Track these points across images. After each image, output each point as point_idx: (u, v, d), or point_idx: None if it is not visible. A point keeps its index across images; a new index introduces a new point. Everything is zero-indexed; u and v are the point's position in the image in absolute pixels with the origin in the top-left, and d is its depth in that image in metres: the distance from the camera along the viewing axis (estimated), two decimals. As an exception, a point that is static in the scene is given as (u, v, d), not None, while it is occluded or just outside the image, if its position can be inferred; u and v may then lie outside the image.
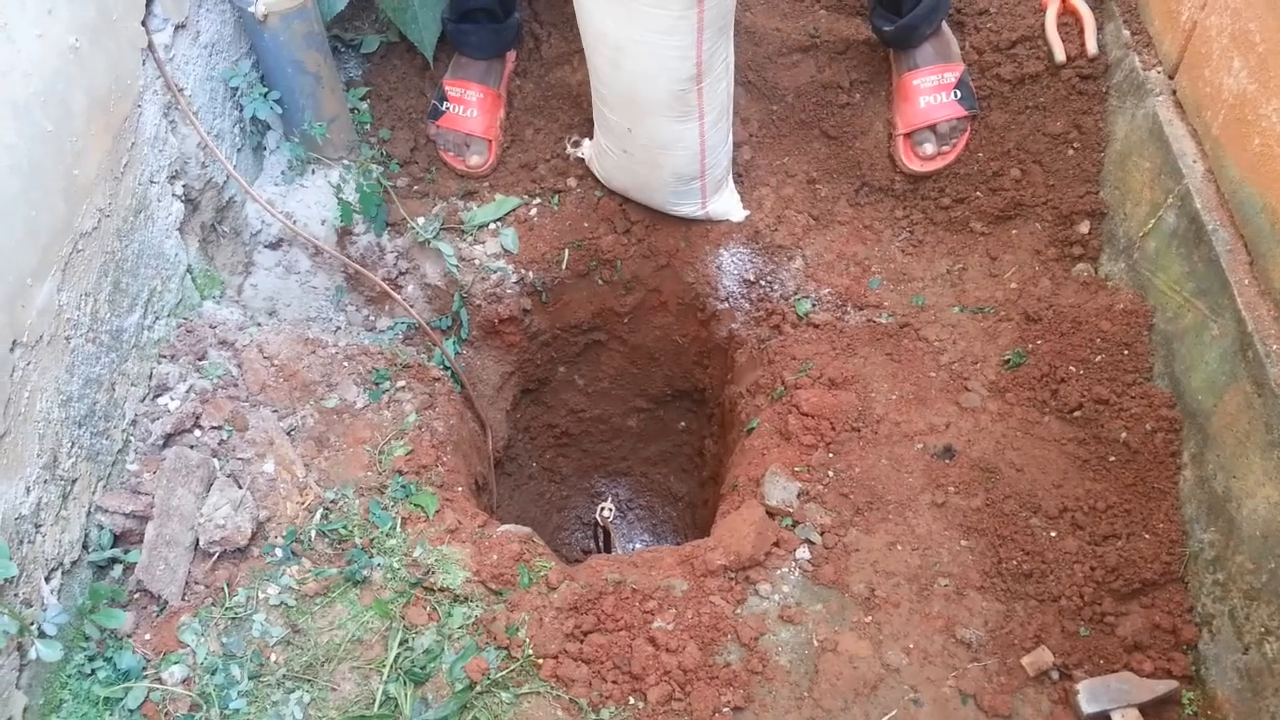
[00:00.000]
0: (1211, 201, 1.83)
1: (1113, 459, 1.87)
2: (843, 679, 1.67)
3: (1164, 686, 1.62)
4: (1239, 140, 1.78)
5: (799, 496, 1.91)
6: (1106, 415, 1.91)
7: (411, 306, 2.31)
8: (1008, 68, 2.25)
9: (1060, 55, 2.20)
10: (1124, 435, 1.87)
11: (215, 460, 1.81)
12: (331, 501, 1.85)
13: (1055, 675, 1.68)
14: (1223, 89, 1.83)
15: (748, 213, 2.32)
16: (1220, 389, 1.72)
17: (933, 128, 2.27)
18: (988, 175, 2.26)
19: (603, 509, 2.50)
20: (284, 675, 1.64)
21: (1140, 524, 1.78)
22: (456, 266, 2.32)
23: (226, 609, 1.69)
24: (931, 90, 2.26)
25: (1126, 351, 1.96)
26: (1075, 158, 2.21)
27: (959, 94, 2.25)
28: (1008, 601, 1.76)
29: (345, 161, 2.31)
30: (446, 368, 2.33)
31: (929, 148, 2.28)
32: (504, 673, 1.65)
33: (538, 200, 2.41)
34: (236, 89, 2.15)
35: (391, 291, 2.28)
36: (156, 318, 1.91)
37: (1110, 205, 2.15)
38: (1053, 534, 1.81)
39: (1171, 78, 2.04)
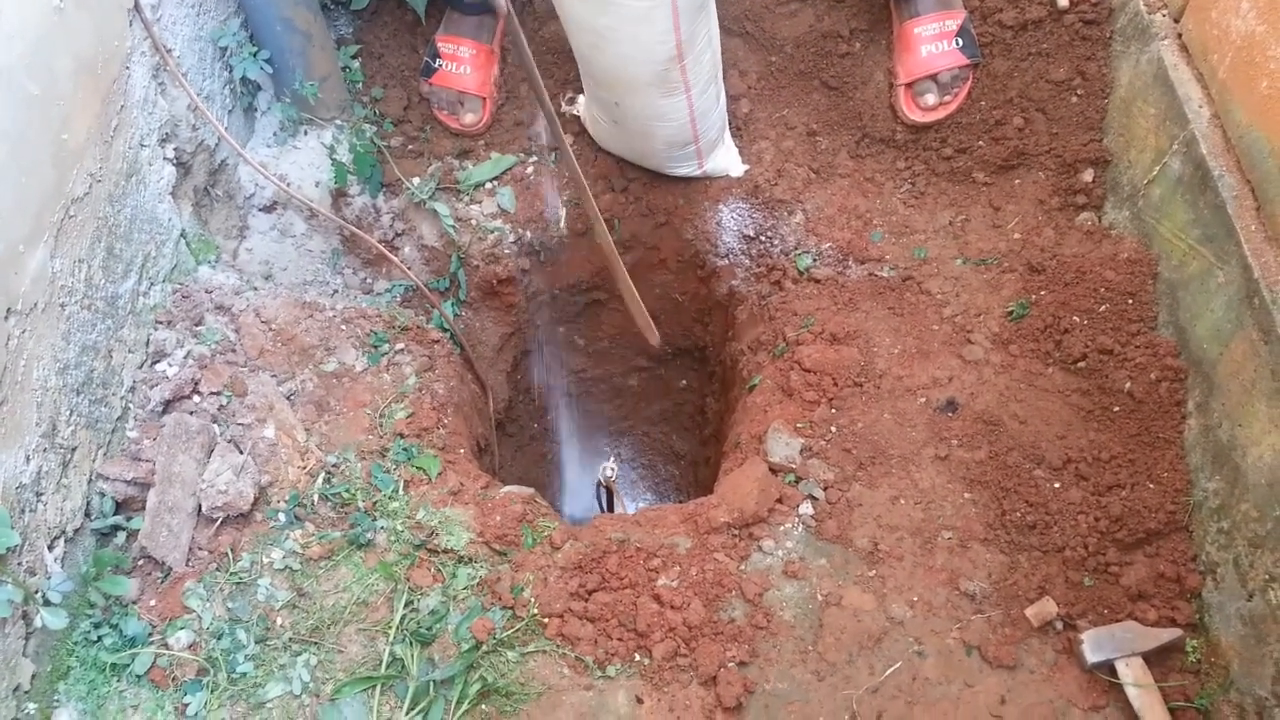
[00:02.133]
0: (1218, 147, 1.80)
1: (1117, 409, 1.86)
2: (847, 632, 1.67)
3: (1168, 635, 1.62)
4: (1246, 83, 1.74)
5: (802, 452, 1.90)
6: (1111, 365, 1.89)
7: (409, 268, 2.29)
8: (1009, 13, 2.21)
9: (1063, 0, 2.16)
10: (1128, 385, 1.86)
11: (215, 426, 1.81)
12: (333, 465, 1.85)
13: (1059, 625, 1.68)
14: (1230, 31, 1.79)
15: (747, 167, 2.30)
16: (1226, 337, 1.70)
17: (934, 77, 2.23)
18: (990, 124, 2.23)
19: (605, 468, 2.49)
20: (290, 638, 1.64)
21: (1144, 474, 1.78)
22: (453, 227, 2.30)
23: (231, 574, 1.69)
24: (933, 39, 2.22)
25: (1131, 301, 1.94)
26: (1079, 105, 2.18)
27: (961, 42, 2.21)
28: (1011, 553, 1.76)
29: (338, 121, 2.28)
30: (445, 329, 2.32)
31: (930, 98, 2.24)
32: (509, 632, 1.66)
33: (534, 158, 2.38)
34: (226, 49, 2.12)
35: (388, 253, 2.26)
36: (152, 283, 1.89)
37: (1114, 153, 2.12)
38: (1056, 485, 1.80)
39: (1177, 21, 2.00)
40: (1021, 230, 2.17)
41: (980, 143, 2.25)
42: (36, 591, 1.50)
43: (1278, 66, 1.65)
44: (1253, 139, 1.72)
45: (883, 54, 2.34)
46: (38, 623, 1.50)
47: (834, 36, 2.35)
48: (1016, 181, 2.23)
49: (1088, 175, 2.16)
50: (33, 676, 1.52)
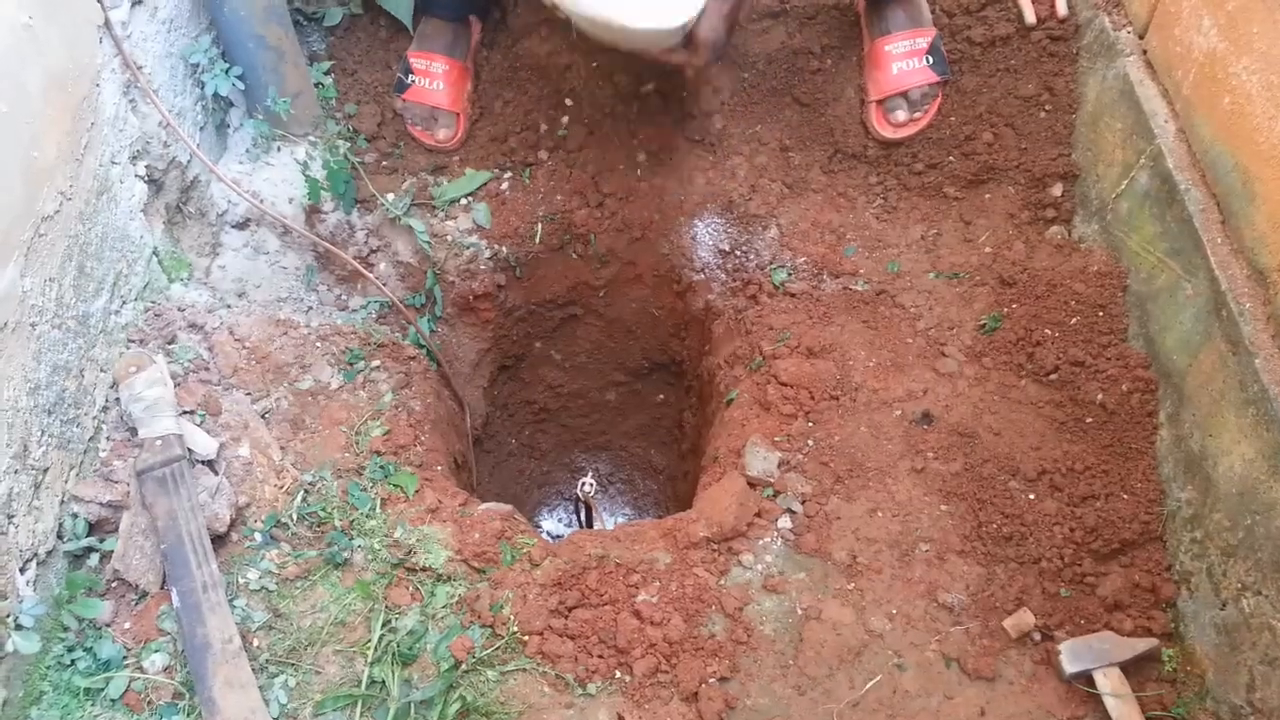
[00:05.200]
0: (1183, 161, 1.84)
1: (1090, 420, 1.88)
2: (827, 646, 1.68)
3: (1144, 644, 1.64)
4: (1210, 99, 1.78)
5: (779, 466, 1.91)
6: (1083, 377, 1.92)
7: (384, 284, 2.28)
8: (978, 30, 2.24)
9: (1030, 17, 2.19)
10: (1100, 397, 1.88)
11: (189, 445, 1.79)
12: (309, 484, 1.83)
13: (1037, 636, 1.69)
14: (1193, 48, 1.83)
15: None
16: (1195, 348, 1.73)
17: (905, 94, 2.26)
18: (960, 140, 2.26)
19: (584, 484, 2.49)
20: (267, 660, 1.62)
21: (1118, 484, 1.80)
22: (428, 243, 2.29)
23: (206, 595, 1.67)
24: (904, 56, 2.24)
25: (1101, 313, 1.97)
26: (1047, 120, 2.21)
27: (931, 59, 2.23)
28: (988, 565, 1.77)
29: (311, 138, 2.27)
30: (422, 346, 2.31)
31: (901, 114, 2.26)
32: (489, 651, 1.65)
33: (509, 174, 2.38)
34: (197, 65, 2.10)
35: (363, 270, 2.25)
36: (124, 302, 1.87)
37: (1083, 167, 2.16)
38: (1031, 496, 1.82)
39: (1142, 37, 2.03)
40: (992, 244, 2.20)
41: (951, 158, 2.27)
42: (8, 615, 1.47)
43: (1239, 83, 1.69)
44: (1217, 153, 1.75)
45: (854, 71, 2.36)
46: (9, 647, 1.48)
47: (806, 53, 2.37)
48: (987, 196, 2.26)
49: (1057, 189, 2.19)
50: (4, 703, 1.49)
